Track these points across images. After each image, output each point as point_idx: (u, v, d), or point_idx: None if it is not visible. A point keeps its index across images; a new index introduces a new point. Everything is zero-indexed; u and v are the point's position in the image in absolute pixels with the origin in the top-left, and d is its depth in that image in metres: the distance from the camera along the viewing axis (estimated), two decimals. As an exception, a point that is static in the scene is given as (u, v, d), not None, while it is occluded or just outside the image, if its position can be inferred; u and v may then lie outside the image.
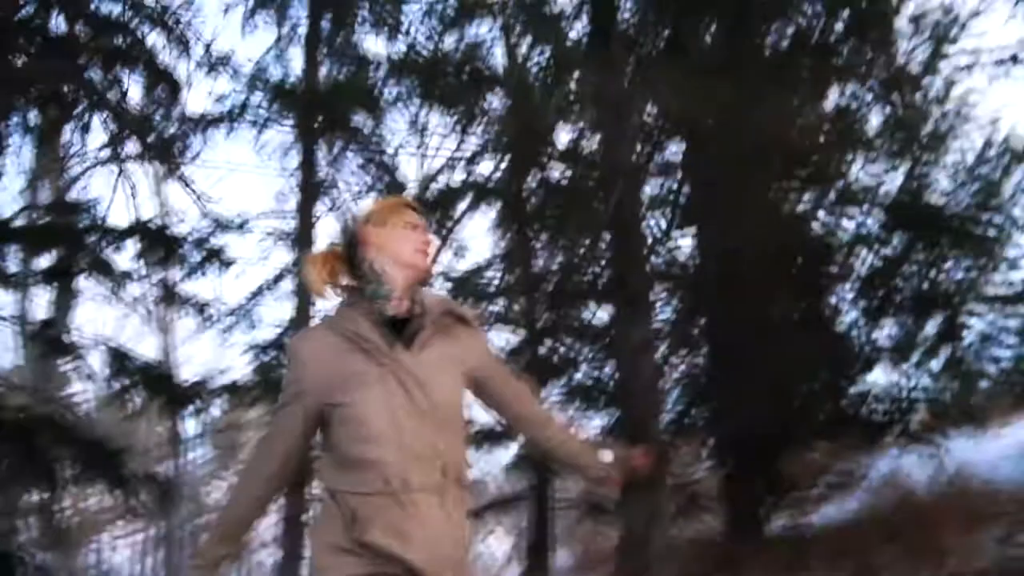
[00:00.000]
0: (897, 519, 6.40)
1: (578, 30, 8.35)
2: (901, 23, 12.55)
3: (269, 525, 7.89)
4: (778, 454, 7.82)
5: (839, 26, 8.51)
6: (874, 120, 10.85)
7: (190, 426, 7.28)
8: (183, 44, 7.74)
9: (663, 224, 7.21)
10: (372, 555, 1.62)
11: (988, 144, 13.22)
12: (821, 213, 9.58)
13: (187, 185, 7.37)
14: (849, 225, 9.98)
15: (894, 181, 11.81)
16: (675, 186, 7.36)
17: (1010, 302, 12.14)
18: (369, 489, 1.64)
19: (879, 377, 9.53)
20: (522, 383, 2.04)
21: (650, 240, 6.94)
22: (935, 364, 11.74)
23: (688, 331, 7.77)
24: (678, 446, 6.04)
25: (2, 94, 6.07)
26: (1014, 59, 8.53)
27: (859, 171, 10.47)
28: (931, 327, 11.64)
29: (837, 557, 6.00)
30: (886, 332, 10.52)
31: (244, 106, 8.31)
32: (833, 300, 9.83)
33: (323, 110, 8.66)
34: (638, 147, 6.87)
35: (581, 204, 6.72)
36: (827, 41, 8.32)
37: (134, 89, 7.75)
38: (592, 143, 7.61)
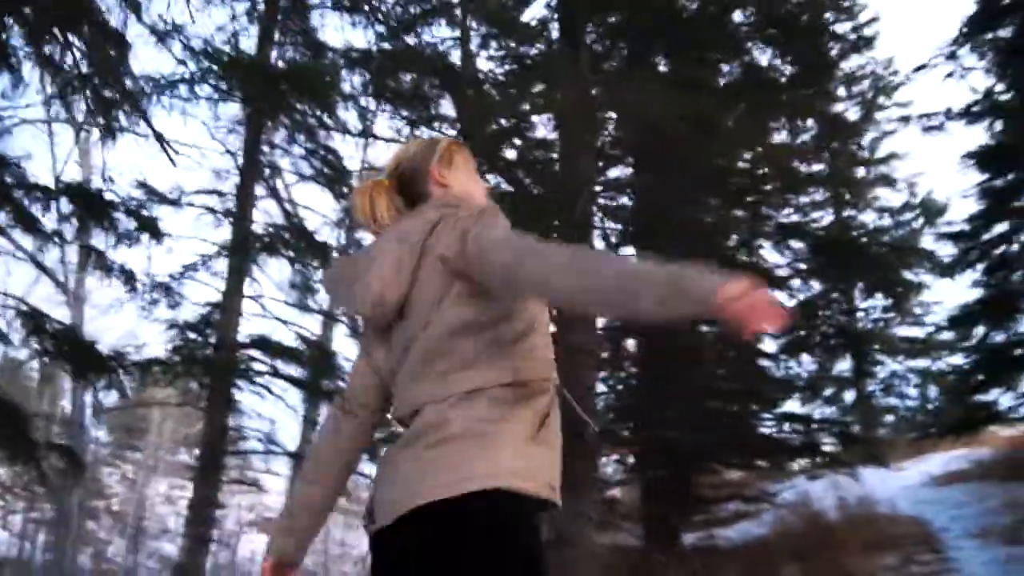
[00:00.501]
0: (805, 540, 6.65)
1: (542, 44, 8.54)
2: (841, 74, 13.28)
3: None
4: (695, 471, 8.02)
5: (786, 68, 8.85)
6: (810, 165, 11.41)
7: (96, 402, 6.91)
8: (135, 8, 7.49)
9: (613, 238, 7.35)
10: None
11: (909, 200, 14.12)
12: (756, 243, 9.98)
13: (163, 144, 7.06)
14: (778, 259, 10.41)
15: (822, 222, 12.43)
16: (626, 201, 7.52)
17: (917, 349, 12.92)
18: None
19: (794, 407, 9.95)
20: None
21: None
22: (846, 399, 12.37)
23: (621, 345, 7.92)
24: (606, 452, 6.14)
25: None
26: (947, 114, 9.04)
27: (791, 209, 10.95)
28: (844, 365, 12.30)
29: (748, 571, 6.18)
30: (803, 366, 11.01)
31: (197, 79, 8.07)
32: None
33: (274, 93, 8.49)
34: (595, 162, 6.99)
35: (532, 212, 6.78)
36: (774, 80, 8.64)
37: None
38: (546, 153, 7.71)
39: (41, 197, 6.54)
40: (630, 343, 7.91)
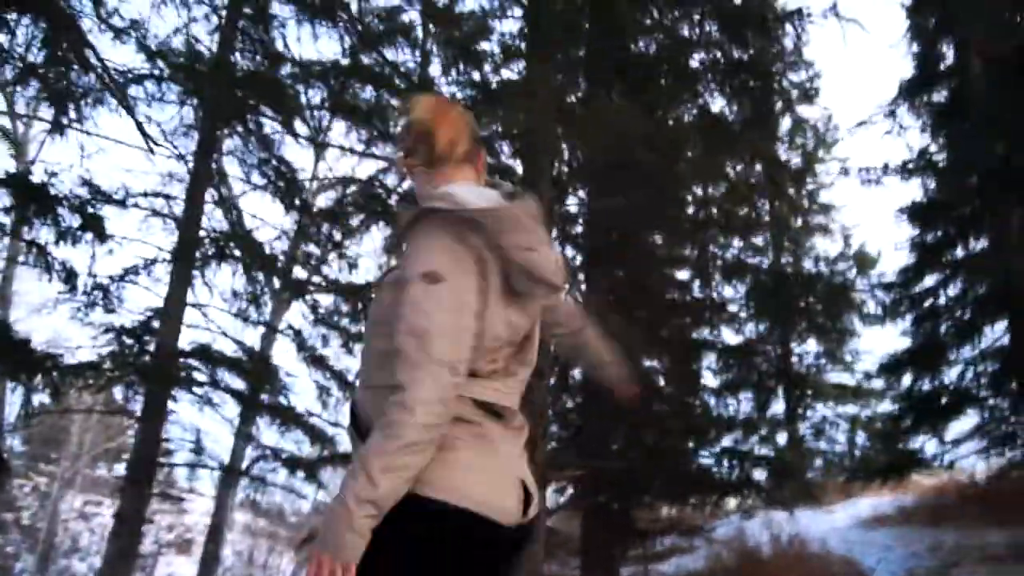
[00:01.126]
0: (740, 574, 6.74)
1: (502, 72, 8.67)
2: (787, 123, 13.83)
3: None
4: (634, 503, 8.07)
5: (734, 113, 9.15)
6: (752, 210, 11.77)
7: (26, 404, 6.59)
8: (94, 2, 7.32)
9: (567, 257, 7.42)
10: None
11: (845, 249, 14.68)
12: (697, 283, 10.23)
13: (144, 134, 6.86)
14: (729, 293, 10.70)
15: (763, 264, 12.82)
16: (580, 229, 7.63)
17: (847, 394, 13.36)
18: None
19: (729, 444, 10.14)
20: None
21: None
22: (779, 440, 12.66)
23: (568, 373, 7.97)
24: (548, 479, 6.14)
25: None
26: (884, 169, 9.47)
27: (735, 250, 11.28)
28: (778, 407, 12.63)
29: (684, 604, 6.23)
30: (740, 404, 11.28)
31: (155, 78, 7.91)
32: (696, 367, 10.43)
33: (232, 99, 8.38)
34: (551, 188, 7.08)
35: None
36: (724, 124, 8.91)
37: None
38: (505, 180, 7.76)
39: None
40: (576, 372, 7.97)
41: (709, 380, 10.66)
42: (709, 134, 8.10)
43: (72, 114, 6.97)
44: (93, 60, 6.80)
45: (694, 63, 7.85)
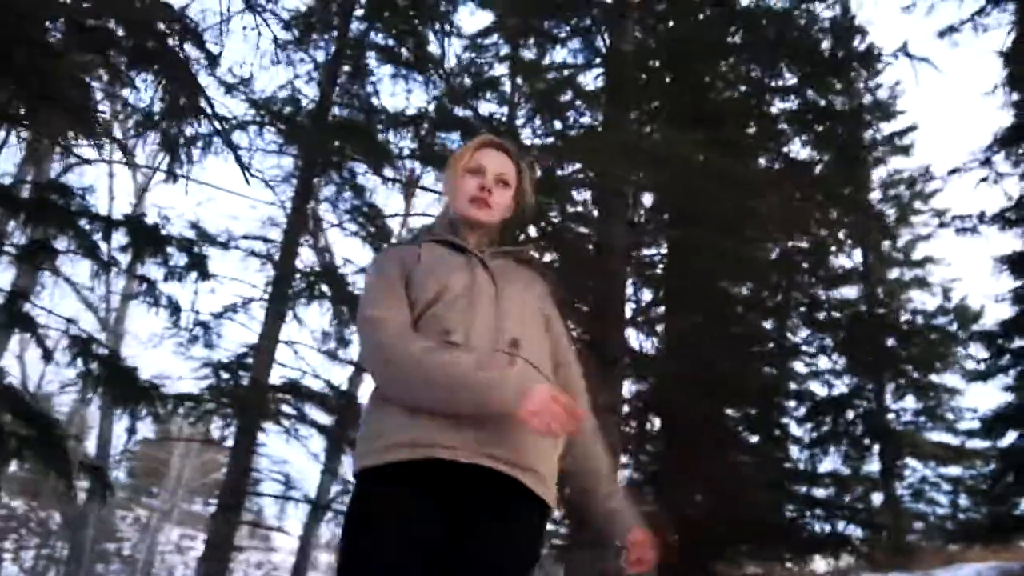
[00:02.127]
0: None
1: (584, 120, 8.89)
2: (881, 173, 13.52)
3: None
4: (715, 556, 7.86)
5: (824, 163, 9.02)
6: (843, 259, 11.49)
7: (130, 428, 7.06)
8: (210, 60, 7.97)
9: (644, 300, 7.46)
10: None
11: (944, 302, 14.06)
12: (783, 332, 9.98)
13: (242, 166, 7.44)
14: (807, 349, 10.39)
15: (852, 320, 12.39)
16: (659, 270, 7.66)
17: (948, 455, 12.63)
18: None
19: (820, 501, 9.75)
20: (574, 359, 1.90)
21: (630, 313, 7.17)
22: (873, 500, 12.07)
23: (647, 417, 7.91)
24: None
25: (28, 74, 6.18)
26: (980, 217, 9.13)
27: (823, 301, 10.96)
28: (873, 464, 12.06)
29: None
30: (831, 460, 10.85)
31: (258, 130, 8.52)
32: (785, 420, 10.14)
33: (329, 149, 8.89)
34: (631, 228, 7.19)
35: (568, 280, 6.93)
36: (813, 173, 8.80)
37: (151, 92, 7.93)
38: (581, 226, 7.91)
39: (101, 227, 6.87)
40: (656, 418, 7.91)
41: (795, 431, 10.30)
42: (791, 180, 8.04)
43: (184, 163, 7.58)
44: (207, 109, 7.38)
45: (774, 109, 7.86)
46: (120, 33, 7.50)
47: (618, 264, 6.41)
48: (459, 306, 1.67)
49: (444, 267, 1.74)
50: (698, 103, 7.33)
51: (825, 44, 7.63)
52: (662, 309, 7.84)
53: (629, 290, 7.37)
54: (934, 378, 12.35)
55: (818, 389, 10.58)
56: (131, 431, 6.59)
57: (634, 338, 7.82)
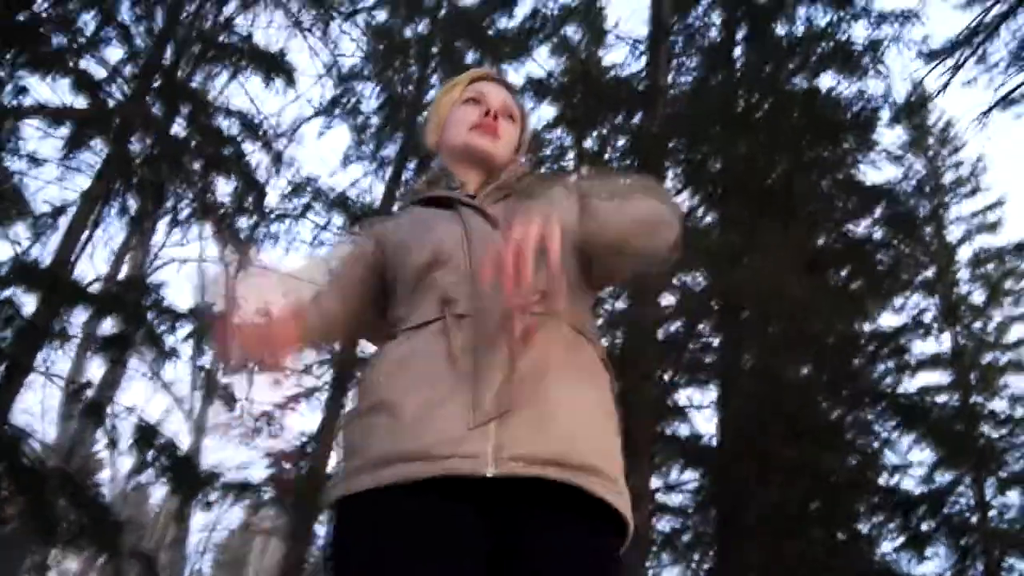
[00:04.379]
0: None
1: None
2: (964, 253, 12.91)
3: None
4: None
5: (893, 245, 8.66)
6: (925, 345, 10.90)
7: (196, 519, 7.25)
8: (278, 161, 8.51)
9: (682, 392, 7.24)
10: None
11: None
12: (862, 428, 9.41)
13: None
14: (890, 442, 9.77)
15: (944, 409, 11.65)
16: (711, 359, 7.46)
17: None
18: None
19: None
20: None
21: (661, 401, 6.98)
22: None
23: (702, 515, 7.55)
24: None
25: (107, 174, 6.76)
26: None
27: (905, 388, 10.35)
28: (976, 566, 11.03)
29: None
30: (928, 565, 9.99)
31: (324, 226, 8.96)
32: (870, 522, 9.45)
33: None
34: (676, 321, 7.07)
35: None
36: (878, 256, 8.43)
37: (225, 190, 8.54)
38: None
39: (168, 318, 7.27)
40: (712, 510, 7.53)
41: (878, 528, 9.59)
42: (851, 261, 7.81)
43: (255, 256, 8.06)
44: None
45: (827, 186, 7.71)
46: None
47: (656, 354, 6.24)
48: (455, 265, 1.29)
49: (425, 226, 1.38)
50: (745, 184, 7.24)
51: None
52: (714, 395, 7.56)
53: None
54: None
55: (910, 484, 9.89)
56: (180, 518, 6.77)
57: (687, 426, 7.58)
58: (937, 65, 7.51)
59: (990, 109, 6.95)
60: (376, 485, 1.14)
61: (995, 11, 7.28)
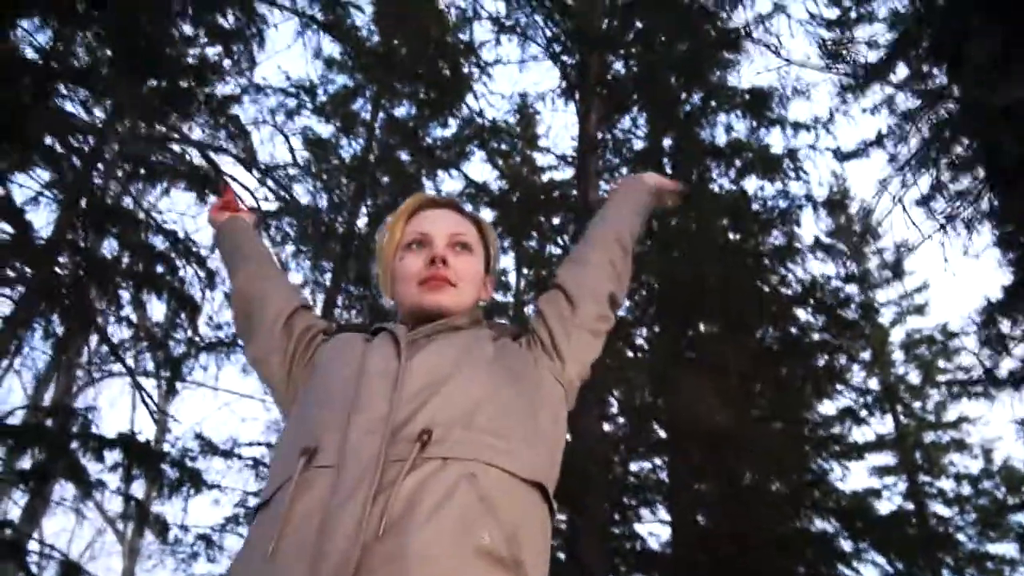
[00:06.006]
0: None
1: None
2: (896, 338, 13.29)
3: None
4: None
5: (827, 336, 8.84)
6: (863, 433, 10.98)
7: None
8: (210, 278, 8.39)
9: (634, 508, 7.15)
10: None
11: (987, 465, 13.23)
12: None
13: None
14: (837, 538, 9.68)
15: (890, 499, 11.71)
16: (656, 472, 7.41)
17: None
18: None
19: None
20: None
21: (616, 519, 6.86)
22: None
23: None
24: None
25: (29, 299, 6.56)
26: (1016, 385, 8.72)
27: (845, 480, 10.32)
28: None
29: None
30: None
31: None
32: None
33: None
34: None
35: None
36: (820, 349, 8.57)
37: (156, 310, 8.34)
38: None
39: (96, 447, 6.95)
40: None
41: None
42: (795, 358, 7.95)
43: (186, 377, 7.83)
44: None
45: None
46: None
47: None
48: (335, 401, 1.16)
49: (343, 356, 1.27)
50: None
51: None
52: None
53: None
54: (991, 548, 11.45)
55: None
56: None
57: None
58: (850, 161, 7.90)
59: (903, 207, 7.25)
60: None
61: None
